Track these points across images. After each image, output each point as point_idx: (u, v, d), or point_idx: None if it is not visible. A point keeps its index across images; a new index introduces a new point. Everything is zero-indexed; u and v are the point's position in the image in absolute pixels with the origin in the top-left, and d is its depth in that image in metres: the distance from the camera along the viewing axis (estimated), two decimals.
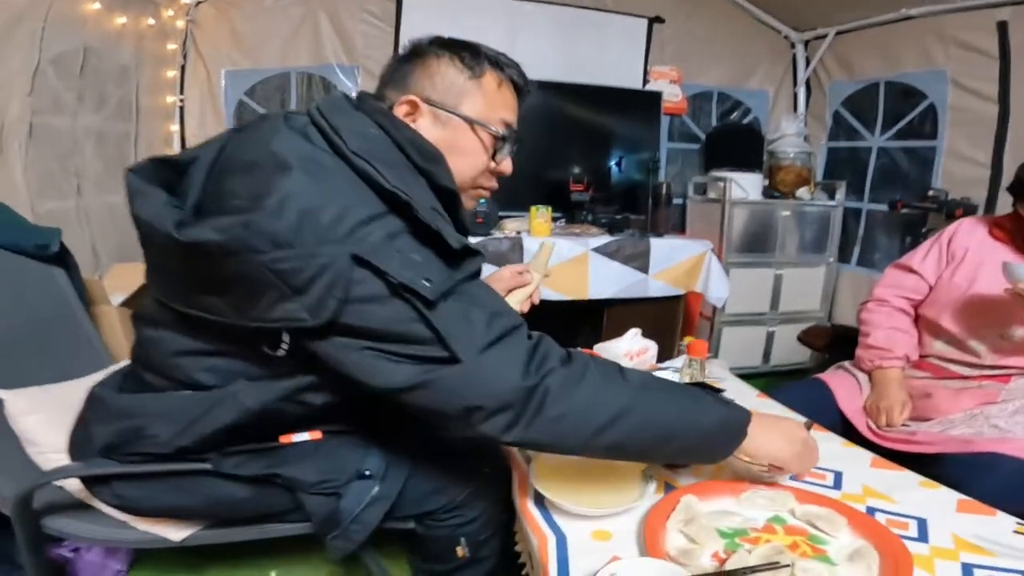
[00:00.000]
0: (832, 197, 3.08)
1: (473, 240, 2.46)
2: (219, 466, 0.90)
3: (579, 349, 0.88)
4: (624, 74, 3.08)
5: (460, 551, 1.01)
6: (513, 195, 2.54)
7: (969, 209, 2.38)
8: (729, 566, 0.76)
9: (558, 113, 2.84)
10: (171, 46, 2.53)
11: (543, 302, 2.30)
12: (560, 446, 0.83)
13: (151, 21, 2.34)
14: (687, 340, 1.43)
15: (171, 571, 1.42)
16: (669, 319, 2.69)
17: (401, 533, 1.03)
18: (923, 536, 0.85)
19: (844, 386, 1.52)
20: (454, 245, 0.80)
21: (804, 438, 0.96)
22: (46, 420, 0.96)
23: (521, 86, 0.98)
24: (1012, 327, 1.35)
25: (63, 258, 1.38)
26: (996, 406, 1.30)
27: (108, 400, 0.93)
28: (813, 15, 3.09)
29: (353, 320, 0.76)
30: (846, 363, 1.64)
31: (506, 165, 0.98)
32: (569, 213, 2.73)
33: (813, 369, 2.63)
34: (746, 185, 2.94)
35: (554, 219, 2.59)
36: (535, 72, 3.11)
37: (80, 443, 0.94)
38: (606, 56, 3.05)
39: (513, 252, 2.37)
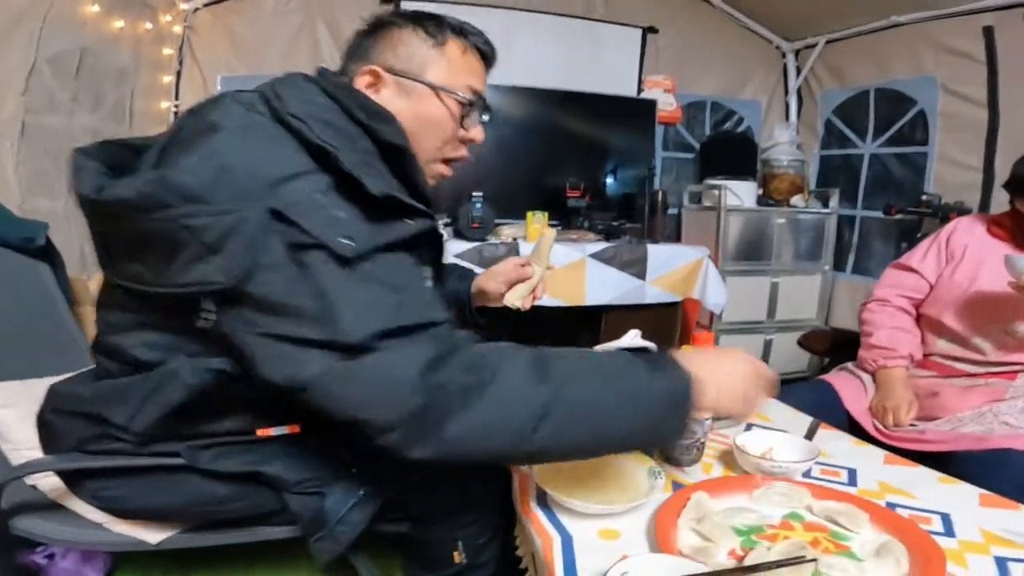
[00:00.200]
0: (826, 205, 3.09)
1: (468, 245, 2.49)
2: (194, 460, 0.84)
3: (505, 344, 0.76)
4: (619, 83, 3.10)
5: (457, 556, 0.96)
6: (510, 201, 2.52)
7: (963, 213, 2.38)
8: (749, 563, 0.72)
9: (554, 120, 2.84)
10: (167, 51, 2.52)
11: (539, 309, 2.27)
12: (481, 457, 0.75)
13: (149, 25, 2.34)
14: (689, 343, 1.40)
15: None
16: (667, 326, 2.67)
17: (394, 537, 0.98)
18: (949, 531, 0.82)
19: (849, 387, 1.49)
20: (373, 192, 0.74)
21: (750, 370, 0.82)
22: (22, 416, 0.91)
23: (487, 53, 0.97)
24: (1016, 323, 1.33)
25: (49, 253, 1.35)
26: (1005, 403, 1.28)
27: (64, 391, 0.89)
28: (803, 24, 3.12)
29: (259, 288, 0.69)
30: (849, 364, 1.61)
31: (476, 132, 0.97)
32: (565, 219, 2.72)
33: (812, 377, 2.61)
34: (741, 193, 2.94)
35: (551, 225, 2.57)
36: (532, 80, 3.14)
37: (49, 440, 0.89)
38: (601, 65, 3.07)
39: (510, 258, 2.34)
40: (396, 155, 0.83)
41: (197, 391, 0.79)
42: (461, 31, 0.93)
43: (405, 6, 2.65)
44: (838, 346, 1.94)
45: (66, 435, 0.87)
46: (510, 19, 2.91)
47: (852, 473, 1.00)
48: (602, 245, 2.49)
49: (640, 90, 3.14)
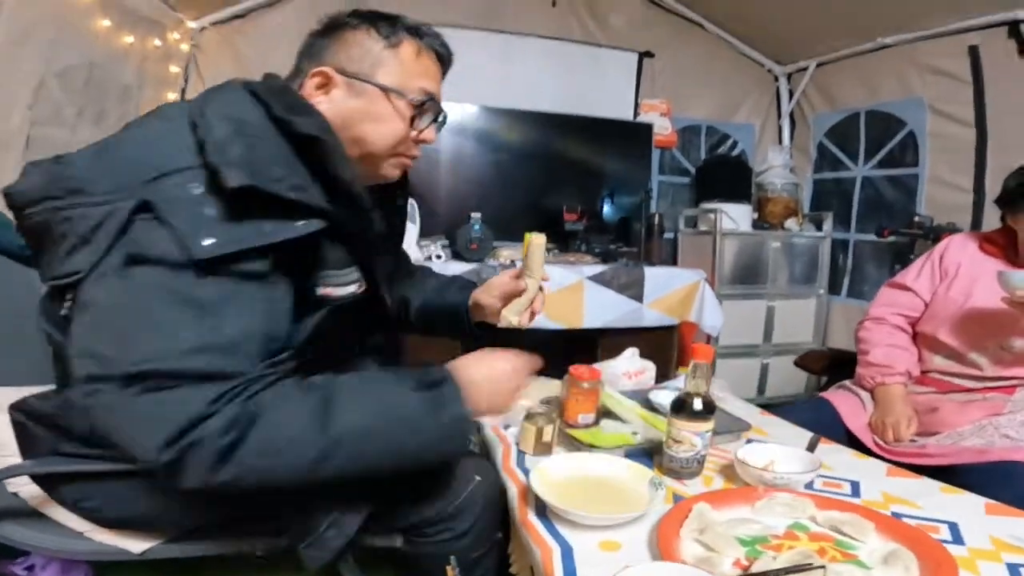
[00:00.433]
0: (820, 228, 3.11)
1: (466, 266, 2.48)
2: None
3: (292, 389, 0.74)
4: (616, 107, 3.14)
5: (450, 571, 0.93)
6: (508, 224, 2.54)
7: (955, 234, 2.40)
8: (755, 571, 0.71)
9: (552, 144, 2.86)
10: (174, 69, 2.53)
11: (535, 331, 2.26)
12: (266, 486, 0.73)
13: (157, 42, 2.35)
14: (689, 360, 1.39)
15: None
16: (664, 348, 2.65)
17: (387, 553, 0.95)
18: (958, 539, 0.81)
19: (848, 404, 1.49)
20: (228, 183, 0.69)
21: (510, 367, 0.88)
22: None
23: (444, 55, 0.96)
24: (1012, 338, 1.33)
25: None
26: (1004, 417, 1.28)
27: (31, 403, 0.87)
28: (795, 47, 3.17)
29: (90, 285, 0.70)
30: (847, 382, 1.61)
31: (428, 133, 0.95)
32: (563, 242, 2.72)
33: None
34: (736, 216, 2.96)
35: (548, 249, 2.57)
36: (530, 103, 3.18)
37: (26, 445, 0.87)
38: (598, 89, 3.11)
39: None
40: (311, 147, 0.80)
41: None
42: (416, 32, 0.92)
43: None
44: (835, 365, 1.93)
45: (41, 441, 0.85)
46: (508, 44, 2.96)
47: (855, 485, 0.98)
48: (599, 268, 2.50)
49: (636, 114, 3.18)
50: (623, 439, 1.14)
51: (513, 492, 0.95)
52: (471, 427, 0.83)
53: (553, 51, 3.03)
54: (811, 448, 1.13)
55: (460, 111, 2.68)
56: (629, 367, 1.55)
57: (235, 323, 0.71)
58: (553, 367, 1.33)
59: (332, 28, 0.91)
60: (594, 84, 3.10)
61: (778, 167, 3.11)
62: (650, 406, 1.28)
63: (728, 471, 1.03)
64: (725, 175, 3.19)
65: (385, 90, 0.88)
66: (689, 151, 3.36)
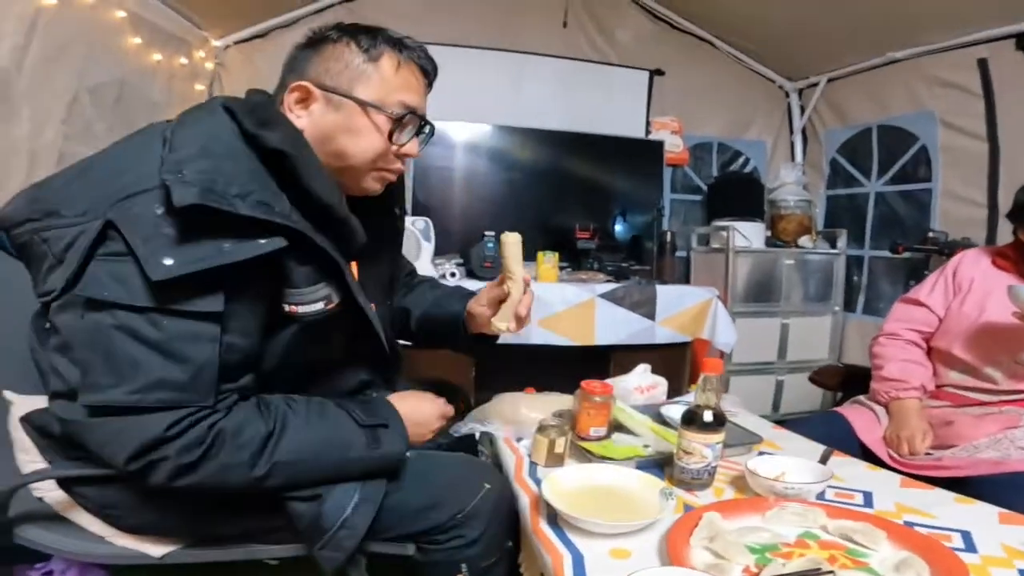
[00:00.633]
0: (834, 245, 3.09)
1: (480, 285, 2.44)
2: None
3: (247, 415, 0.81)
4: (627, 125, 3.16)
5: None
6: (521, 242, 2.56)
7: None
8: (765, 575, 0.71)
9: (564, 162, 2.89)
10: (199, 87, 2.58)
11: (546, 348, 2.25)
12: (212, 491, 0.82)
13: (184, 60, 2.41)
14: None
15: None
16: (677, 365, 2.64)
17: (399, 562, 0.96)
18: (970, 547, 0.80)
19: (863, 418, 1.48)
20: (176, 202, 0.70)
21: (434, 407, 1.04)
22: None
23: (427, 68, 0.95)
24: None
25: None
26: (1020, 430, 1.27)
27: (35, 419, 0.89)
28: (804, 63, 3.18)
29: (59, 313, 0.76)
30: (861, 397, 1.60)
31: (410, 147, 0.95)
32: (575, 261, 2.74)
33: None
34: (749, 234, 2.96)
35: (561, 267, 2.60)
36: (541, 122, 3.19)
37: (48, 451, 0.89)
38: (609, 107, 3.14)
39: None
40: (281, 161, 0.81)
41: None
42: (398, 45, 0.91)
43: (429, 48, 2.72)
44: (850, 380, 1.92)
45: (50, 450, 0.88)
46: (520, 63, 3.00)
47: (868, 496, 0.98)
48: (611, 285, 2.50)
49: (648, 132, 3.20)
50: (634, 451, 1.15)
51: (525, 501, 0.96)
52: (404, 460, 0.95)
53: (564, 70, 3.08)
54: (823, 460, 1.13)
55: (473, 130, 2.73)
56: (641, 382, 1.56)
57: (191, 360, 0.74)
58: (566, 382, 1.35)
59: (315, 42, 0.91)
60: (605, 102, 3.13)
61: (790, 184, 3.11)
62: (662, 420, 1.28)
63: (739, 483, 1.03)
64: (737, 192, 3.19)
65: (363, 104, 0.88)
66: (701, 168, 3.37)
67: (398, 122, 0.90)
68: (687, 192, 3.37)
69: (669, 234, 2.77)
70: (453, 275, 2.44)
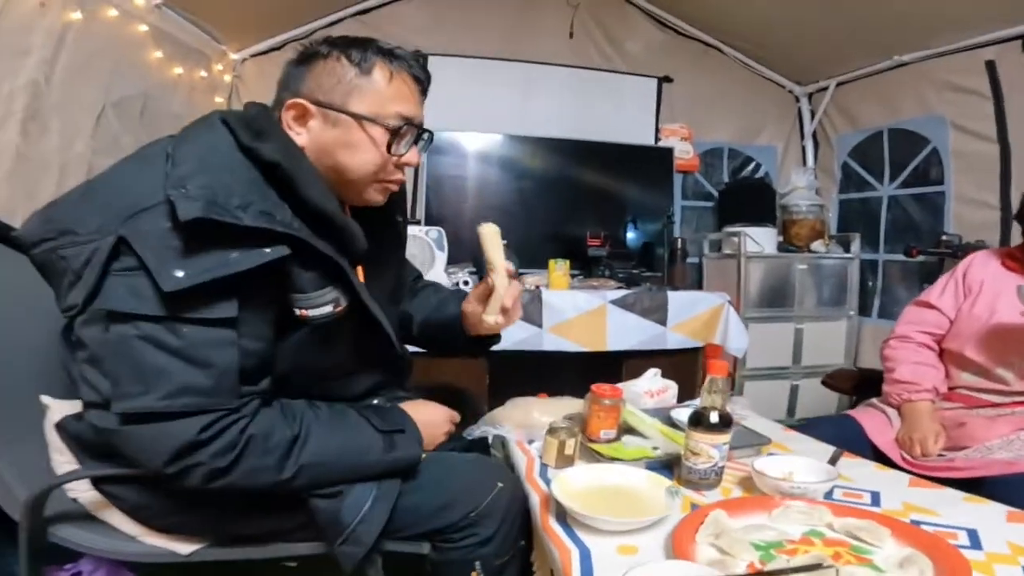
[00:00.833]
0: (847, 249, 3.08)
1: None
2: None
3: (272, 420, 0.86)
4: (636, 132, 3.18)
5: None
6: (533, 251, 2.59)
7: None
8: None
9: (574, 170, 2.92)
10: (218, 99, 2.64)
11: (558, 354, 2.25)
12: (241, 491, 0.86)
13: (203, 73, 2.46)
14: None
15: None
16: (688, 370, 2.65)
17: (415, 561, 0.99)
18: (976, 544, 0.81)
19: (874, 421, 1.48)
20: (180, 217, 0.73)
21: (442, 413, 1.09)
22: None
23: (420, 77, 0.95)
24: None
25: None
26: None
27: (68, 426, 0.93)
28: (813, 67, 3.19)
29: (83, 325, 0.79)
30: (874, 400, 1.60)
31: (410, 157, 0.95)
32: (587, 268, 2.75)
33: None
34: (761, 239, 2.96)
35: (572, 275, 2.62)
36: (551, 131, 3.21)
37: (81, 453, 0.93)
38: (618, 115, 3.17)
39: (532, 305, 2.38)
40: (274, 172, 0.83)
41: None
42: (389, 55, 0.91)
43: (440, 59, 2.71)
44: (864, 384, 1.92)
45: (85, 454, 0.92)
46: (529, 73, 3.04)
47: (875, 495, 0.99)
48: (623, 292, 2.51)
49: (657, 139, 3.21)
50: (643, 452, 1.16)
51: (535, 500, 0.98)
52: (419, 463, 0.99)
53: (573, 79, 3.11)
54: (833, 461, 1.13)
55: (484, 140, 2.75)
56: (651, 386, 1.57)
57: (213, 364, 0.78)
58: (578, 388, 1.36)
59: (306, 58, 0.92)
60: (614, 110, 3.16)
61: (802, 188, 3.10)
62: (671, 423, 1.29)
63: (747, 483, 1.04)
64: (749, 198, 3.19)
65: (358, 118, 0.89)
66: (712, 174, 3.38)
67: (395, 133, 0.91)
68: (698, 198, 3.38)
69: (680, 240, 2.77)
70: (466, 283, 2.47)
